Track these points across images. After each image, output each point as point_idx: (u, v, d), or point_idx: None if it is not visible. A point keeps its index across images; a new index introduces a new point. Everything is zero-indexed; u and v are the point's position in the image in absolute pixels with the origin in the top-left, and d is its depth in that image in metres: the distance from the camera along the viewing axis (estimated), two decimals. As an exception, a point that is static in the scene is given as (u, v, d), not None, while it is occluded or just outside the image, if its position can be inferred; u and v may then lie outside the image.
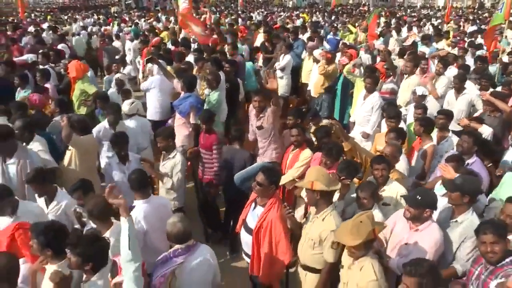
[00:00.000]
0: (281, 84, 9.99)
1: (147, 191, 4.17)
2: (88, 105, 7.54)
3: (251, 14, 26.91)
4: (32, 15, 26.22)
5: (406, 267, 2.83)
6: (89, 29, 17.89)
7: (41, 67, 8.63)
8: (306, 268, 3.89)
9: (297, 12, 28.16)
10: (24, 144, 5.06)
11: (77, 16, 25.37)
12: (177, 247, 3.35)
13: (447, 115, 5.82)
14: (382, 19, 21.49)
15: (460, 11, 34.51)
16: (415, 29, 15.61)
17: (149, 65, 8.33)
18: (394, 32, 13.53)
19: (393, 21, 19.46)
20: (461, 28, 18.38)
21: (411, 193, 3.76)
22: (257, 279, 4.06)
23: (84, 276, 3.11)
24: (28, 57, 9.42)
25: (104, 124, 5.97)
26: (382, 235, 3.71)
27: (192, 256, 3.34)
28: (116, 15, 28.21)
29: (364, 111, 6.92)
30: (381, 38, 12.94)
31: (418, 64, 7.82)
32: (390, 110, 6.06)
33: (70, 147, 5.26)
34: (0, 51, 10.07)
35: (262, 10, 32.56)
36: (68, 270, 3.08)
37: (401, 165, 4.77)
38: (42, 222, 3.38)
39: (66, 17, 25.59)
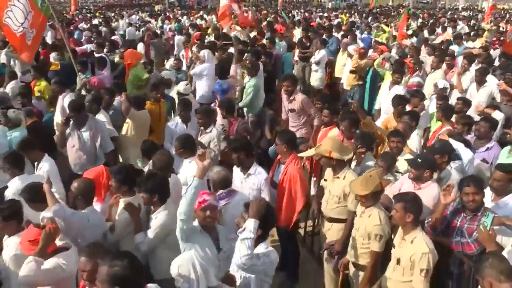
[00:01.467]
0: (316, 77, 10.77)
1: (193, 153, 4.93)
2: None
3: (291, 13, 27.65)
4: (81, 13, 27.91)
5: (395, 197, 3.55)
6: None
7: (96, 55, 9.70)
8: (332, 220, 4.58)
9: (336, 13, 28.69)
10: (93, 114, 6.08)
11: (123, 13, 26.83)
12: (221, 192, 4.16)
13: (465, 101, 6.40)
14: (420, 20, 21.81)
15: (507, 12, 34.11)
16: (449, 30, 15.95)
17: (201, 53, 9.20)
18: (426, 32, 13.99)
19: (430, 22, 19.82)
20: (500, 28, 18.54)
21: (413, 157, 4.43)
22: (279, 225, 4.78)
23: (152, 208, 3.94)
24: (87, 46, 10.54)
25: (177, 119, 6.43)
26: (391, 194, 4.37)
27: (234, 199, 4.13)
28: (159, 12, 29.58)
29: (390, 100, 7.54)
30: (414, 38, 13.51)
31: (443, 60, 8.39)
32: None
33: (127, 120, 6.18)
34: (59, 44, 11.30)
35: (302, 10, 33.26)
36: (138, 202, 3.92)
37: (414, 142, 5.43)
38: (117, 165, 4.26)
39: (113, 14, 27.10)
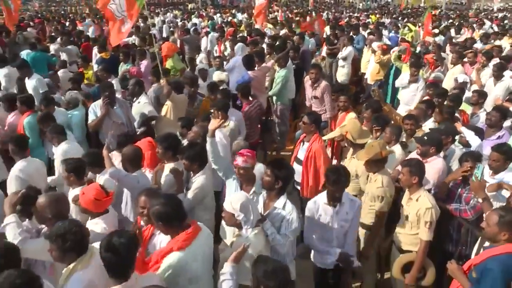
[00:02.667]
0: (342, 73, 11.29)
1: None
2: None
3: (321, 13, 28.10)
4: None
5: (402, 163, 4.10)
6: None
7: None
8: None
9: (367, 13, 28.95)
10: (134, 98, 6.83)
11: (158, 11, 27.85)
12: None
13: (480, 93, 6.83)
14: (449, 20, 21.95)
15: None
16: (477, 29, 16.20)
17: (236, 47, 9.87)
18: (453, 31, 14.32)
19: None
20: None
21: (421, 136, 4.96)
22: (305, 198, 5.37)
23: (192, 173, 4.59)
24: (129, 39, 11.38)
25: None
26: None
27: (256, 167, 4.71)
28: (193, 11, 30.47)
29: (410, 92, 8.03)
30: (442, 36, 13.88)
31: (462, 56, 8.82)
32: (436, 89, 7.18)
33: (167, 102, 6.88)
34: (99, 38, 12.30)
35: (333, 10, 33.63)
36: (181, 167, 4.57)
37: (427, 127, 5.95)
38: (164, 133, 4.94)
39: (148, 12, 28.13)
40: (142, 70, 9.03)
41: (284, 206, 3.80)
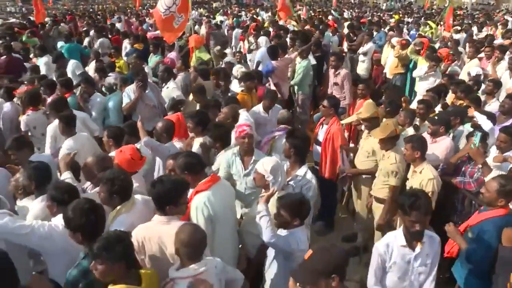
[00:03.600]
0: (362, 67, 11.62)
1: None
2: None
3: (344, 12, 28.39)
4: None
5: (405, 139, 4.49)
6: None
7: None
8: (357, 173, 5.56)
9: (390, 13, 29.04)
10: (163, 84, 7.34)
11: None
12: (280, 126, 5.32)
13: (495, 83, 7.11)
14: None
15: None
16: (500, 27, 16.31)
17: (259, 40, 10.33)
18: (475, 28, 14.50)
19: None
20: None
21: (432, 116, 5.32)
22: (323, 177, 5.77)
23: (216, 150, 5.00)
24: (159, 32, 11.95)
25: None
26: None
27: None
28: (218, 9, 31.09)
29: (428, 84, 8.34)
30: (464, 33, 14.12)
31: (478, 50, 9.11)
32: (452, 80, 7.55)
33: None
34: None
35: (356, 10, 33.78)
36: (208, 141, 5.01)
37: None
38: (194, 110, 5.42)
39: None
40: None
41: (305, 175, 4.21)
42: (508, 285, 3.18)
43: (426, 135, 5.31)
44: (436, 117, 5.14)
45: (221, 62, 10.03)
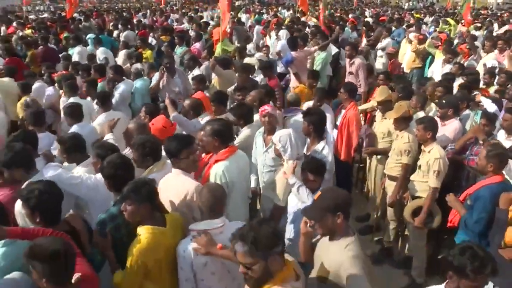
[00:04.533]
0: (380, 62, 11.90)
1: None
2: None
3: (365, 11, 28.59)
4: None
5: (417, 121, 4.82)
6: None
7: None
8: (374, 152, 5.88)
9: (411, 12, 29.07)
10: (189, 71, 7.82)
11: (206, 6, 29.18)
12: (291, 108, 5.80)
13: (507, 74, 7.35)
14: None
15: None
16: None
17: (280, 32, 10.72)
18: (496, 25, 14.67)
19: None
20: None
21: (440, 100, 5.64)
22: (339, 159, 6.05)
23: (240, 128, 5.39)
24: (185, 26, 12.51)
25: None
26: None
27: (298, 115, 5.57)
28: (241, 7, 31.58)
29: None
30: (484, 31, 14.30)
31: (495, 45, 9.31)
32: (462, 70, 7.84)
33: (215, 76, 7.82)
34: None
35: (378, 10, 33.87)
36: (230, 118, 5.40)
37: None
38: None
39: (197, 7, 29.52)
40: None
41: (322, 149, 4.59)
42: (502, 243, 3.51)
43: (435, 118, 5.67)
44: (444, 101, 5.45)
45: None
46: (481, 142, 4.73)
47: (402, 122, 5.15)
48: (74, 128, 5.03)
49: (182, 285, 3.09)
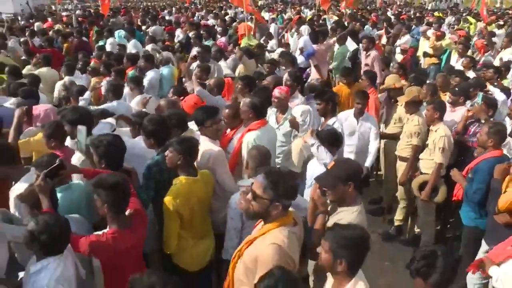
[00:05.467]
0: (400, 58, 12.19)
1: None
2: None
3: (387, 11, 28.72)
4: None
5: (427, 102, 5.18)
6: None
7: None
8: (387, 136, 6.27)
9: (432, 12, 29.07)
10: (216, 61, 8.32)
11: (231, 4, 29.70)
12: (311, 95, 6.07)
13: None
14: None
15: None
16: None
17: (301, 29, 11.16)
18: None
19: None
20: None
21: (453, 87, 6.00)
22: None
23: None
24: (211, 21, 13.07)
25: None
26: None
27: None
28: (264, 6, 32.03)
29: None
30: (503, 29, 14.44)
31: (512, 40, 9.58)
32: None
33: (240, 65, 8.32)
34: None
35: (400, 10, 33.89)
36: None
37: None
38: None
39: (222, 5, 30.14)
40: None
41: (333, 124, 5.04)
42: (496, 209, 3.88)
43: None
44: (456, 88, 5.79)
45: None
46: (483, 121, 5.06)
47: (412, 106, 5.52)
48: (114, 103, 5.57)
49: (229, 233, 3.49)
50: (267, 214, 2.72)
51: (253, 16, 17.05)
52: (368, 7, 33.49)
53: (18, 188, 3.48)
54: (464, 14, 27.58)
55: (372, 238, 3.45)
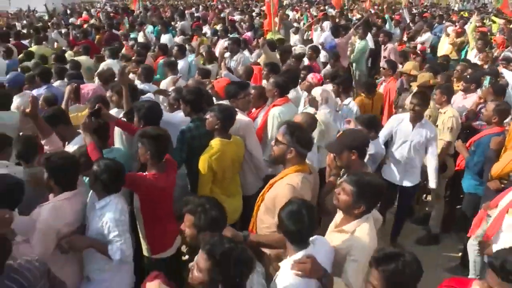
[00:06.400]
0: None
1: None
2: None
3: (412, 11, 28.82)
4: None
5: (436, 87, 5.56)
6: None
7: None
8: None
9: (461, 13, 28.99)
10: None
11: (256, 3, 30.35)
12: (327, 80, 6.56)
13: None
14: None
15: None
16: None
17: (324, 24, 11.61)
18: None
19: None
20: None
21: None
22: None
23: None
24: (237, 17, 13.62)
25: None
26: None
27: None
28: (287, 6, 32.48)
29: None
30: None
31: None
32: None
33: (262, 56, 8.71)
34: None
35: (426, 10, 33.83)
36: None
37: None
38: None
39: (249, 3, 30.80)
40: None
41: (349, 103, 5.56)
42: (489, 176, 4.37)
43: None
44: (468, 76, 6.16)
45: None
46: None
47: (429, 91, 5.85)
48: (145, 84, 6.16)
49: None
50: (284, 158, 3.24)
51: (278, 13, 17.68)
52: (393, 7, 33.65)
53: (70, 148, 4.06)
54: (491, 15, 27.59)
55: (387, 217, 3.94)
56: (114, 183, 3.16)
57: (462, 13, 25.76)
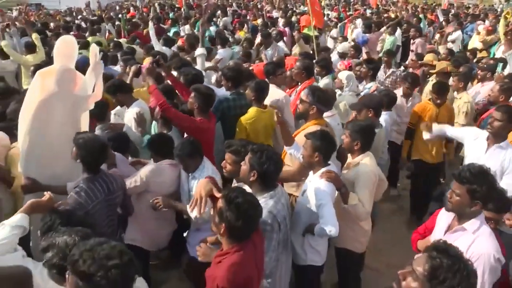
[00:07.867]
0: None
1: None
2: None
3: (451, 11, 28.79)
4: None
5: (453, 74, 6.13)
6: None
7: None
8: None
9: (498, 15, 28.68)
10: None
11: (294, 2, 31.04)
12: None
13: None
14: None
15: None
16: None
17: (357, 22, 12.35)
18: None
19: None
20: None
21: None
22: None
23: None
24: (275, 14, 14.49)
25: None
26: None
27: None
28: (326, 6, 32.94)
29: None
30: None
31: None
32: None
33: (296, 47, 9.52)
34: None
35: (466, 11, 33.57)
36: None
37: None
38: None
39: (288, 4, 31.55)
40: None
41: (370, 87, 6.24)
42: None
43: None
44: (485, 65, 6.68)
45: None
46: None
47: (442, 77, 6.43)
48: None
49: None
50: (307, 114, 4.06)
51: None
52: (434, 7, 33.51)
53: (130, 111, 5.07)
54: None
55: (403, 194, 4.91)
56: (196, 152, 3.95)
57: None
